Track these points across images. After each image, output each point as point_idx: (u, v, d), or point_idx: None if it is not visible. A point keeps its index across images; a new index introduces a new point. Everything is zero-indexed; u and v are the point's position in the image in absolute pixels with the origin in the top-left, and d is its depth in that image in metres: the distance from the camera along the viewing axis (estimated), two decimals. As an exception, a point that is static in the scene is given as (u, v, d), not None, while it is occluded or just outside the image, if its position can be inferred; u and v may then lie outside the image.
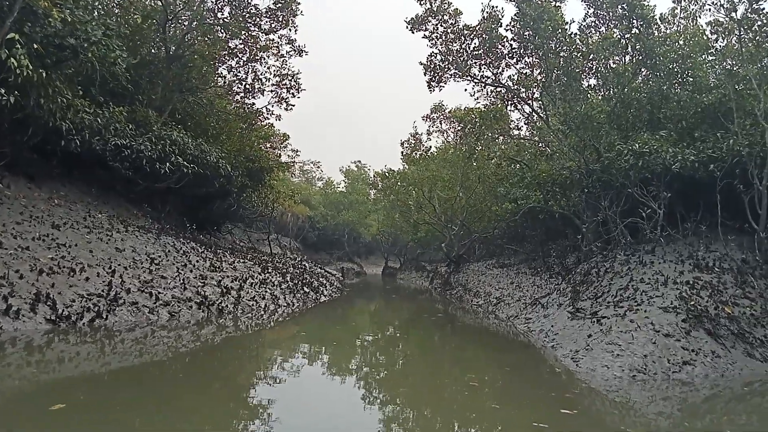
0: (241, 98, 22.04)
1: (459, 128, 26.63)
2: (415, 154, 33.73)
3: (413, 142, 33.31)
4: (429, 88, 23.66)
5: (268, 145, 26.63)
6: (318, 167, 64.29)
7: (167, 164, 17.06)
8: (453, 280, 30.65)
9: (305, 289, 18.67)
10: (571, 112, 17.61)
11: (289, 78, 21.95)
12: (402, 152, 34.24)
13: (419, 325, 17.04)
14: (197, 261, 14.56)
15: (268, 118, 23.51)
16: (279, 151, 33.61)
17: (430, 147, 33.65)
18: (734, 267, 13.62)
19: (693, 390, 9.34)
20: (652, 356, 9.88)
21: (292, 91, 22.23)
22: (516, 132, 24.45)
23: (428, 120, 30.02)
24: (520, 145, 24.12)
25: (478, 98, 23.40)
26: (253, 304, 14.50)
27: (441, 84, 23.63)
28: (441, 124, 29.75)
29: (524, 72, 22.46)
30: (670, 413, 8.14)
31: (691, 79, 17.92)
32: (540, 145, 22.80)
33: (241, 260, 17.37)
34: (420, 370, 10.55)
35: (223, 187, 22.02)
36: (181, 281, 12.75)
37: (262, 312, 14.50)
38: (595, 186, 17.61)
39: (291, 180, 56.30)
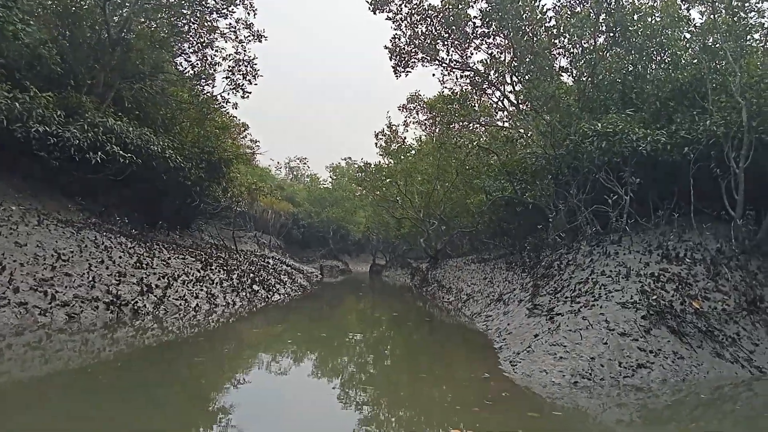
0: (194, 86, 20.72)
1: (430, 117, 25.32)
2: (393, 146, 32.43)
3: (389, 133, 32.02)
4: (395, 73, 22.39)
5: (230, 138, 25.20)
6: (305, 163, 63.05)
7: (100, 154, 15.75)
8: (430, 277, 29.35)
9: (255, 287, 17.38)
10: (538, 92, 16.28)
11: (245, 64, 20.68)
12: (376, 143, 32.95)
13: (368, 327, 15.65)
14: (120, 257, 13.27)
15: (224, 107, 22.21)
16: (242, 144, 32.39)
17: (405, 138, 32.32)
18: (707, 257, 12.33)
19: (647, 397, 8.06)
20: (601, 359, 8.58)
21: (248, 77, 20.96)
22: (488, 119, 23.13)
23: (404, 110, 28.66)
24: (491, 133, 22.81)
25: (446, 83, 22.11)
26: (181, 304, 13.23)
27: (408, 69, 22.37)
28: (418, 114, 28.43)
29: (494, 55, 21.15)
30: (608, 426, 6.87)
31: (667, 57, 16.63)
32: (510, 131, 21.50)
33: (181, 256, 16.08)
34: (335, 386, 9.27)
35: (175, 180, 20.74)
36: (90, 279, 11.47)
37: (193, 313, 13.21)
38: (564, 172, 16.32)
39: (274, 176, 55.14)
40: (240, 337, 12.18)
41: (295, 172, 67.58)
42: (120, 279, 12.19)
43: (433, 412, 7.03)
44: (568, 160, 15.59)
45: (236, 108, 22.15)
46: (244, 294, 16.24)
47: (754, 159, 13.15)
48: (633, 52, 16.44)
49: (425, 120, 26.81)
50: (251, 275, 18.46)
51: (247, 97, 21.41)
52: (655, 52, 16.52)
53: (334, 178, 54.27)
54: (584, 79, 17.05)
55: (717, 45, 13.90)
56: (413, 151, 30.90)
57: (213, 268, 16.57)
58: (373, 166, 33.27)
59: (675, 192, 14.56)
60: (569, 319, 10.00)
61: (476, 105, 21.52)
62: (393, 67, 22.14)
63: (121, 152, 16.29)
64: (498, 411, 6.86)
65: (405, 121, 28.48)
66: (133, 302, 11.74)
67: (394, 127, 31.67)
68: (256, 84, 21.22)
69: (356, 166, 35.16)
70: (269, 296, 17.84)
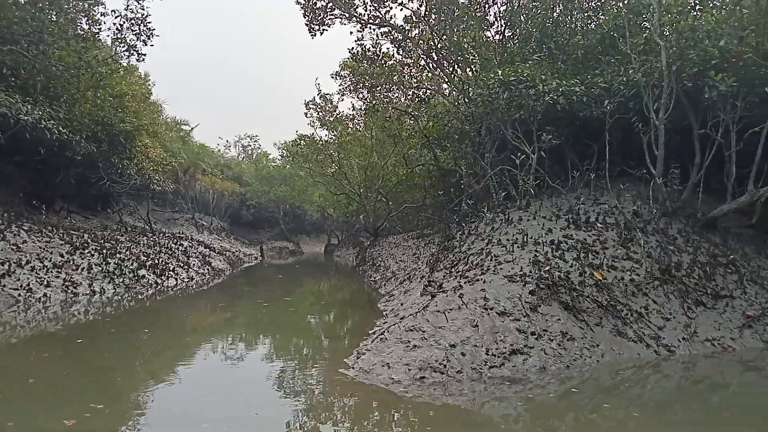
0: (82, 48, 18.38)
1: (352, 82, 23.40)
2: (325, 116, 30.40)
3: (321, 103, 29.97)
4: (310, 32, 20.35)
5: (147, 110, 22.86)
6: (256, 141, 60.42)
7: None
8: (367, 255, 27.71)
9: (142, 272, 15.44)
10: (447, 43, 14.51)
11: (137, 22, 18.44)
12: (306, 114, 30.85)
13: (253, 317, 13.46)
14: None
15: (118, 72, 19.88)
16: (164, 118, 30.11)
17: (336, 108, 30.25)
18: (622, 222, 10.83)
19: (514, 392, 6.49)
20: (465, 345, 6.96)
21: (142, 37, 18.74)
22: (413, 82, 21.29)
23: (338, 78, 26.58)
24: (414, 96, 21.03)
25: (364, 43, 20.15)
26: (21, 295, 11.27)
27: (324, 27, 20.32)
28: (351, 81, 26.30)
29: (416, 11, 19.25)
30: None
31: (593, 3, 15.00)
32: (428, 90, 19.73)
33: (46, 239, 14.02)
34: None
35: (63, 156, 18.53)
36: None
37: (39, 305, 11.27)
38: (481, 133, 14.66)
39: (218, 154, 52.57)
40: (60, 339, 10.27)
41: (249, 151, 64.99)
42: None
43: None
44: (480, 118, 13.92)
45: (133, 68, 19.77)
46: (121, 281, 14.30)
47: (678, 110, 11.68)
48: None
49: (356, 86, 24.77)
50: (143, 259, 16.49)
51: (143, 59, 19.21)
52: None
53: (284, 155, 51.81)
54: (498, 26, 15.32)
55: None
56: (348, 122, 28.96)
57: (86, 251, 14.57)
58: (307, 138, 31.15)
59: (595, 151, 13.04)
60: (445, 298, 8.36)
61: (396, 65, 19.67)
62: (307, 25, 20.12)
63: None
64: None
65: (340, 89, 26.33)
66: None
67: (328, 96, 29.60)
68: (152, 44, 19.02)
69: (293, 140, 33.02)
70: (161, 282, 15.91)
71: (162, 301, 14.16)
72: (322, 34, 20.21)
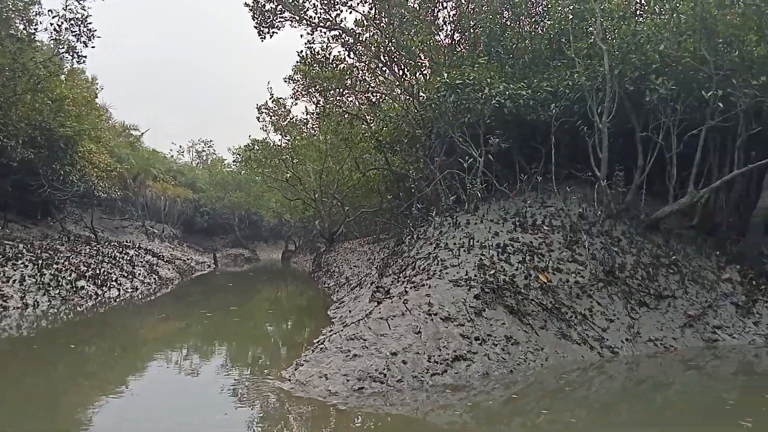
0: (18, 50, 17.49)
1: (304, 85, 23.06)
2: (277, 120, 29.91)
3: (274, 107, 29.47)
4: (259, 34, 19.90)
5: (77, 111, 21.65)
6: (210, 146, 59.13)
7: None
8: (323, 261, 27.35)
9: (81, 283, 14.72)
10: (397, 47, 14.41)
11: (77, 22, 17.68)
12: (258, 118, 30.29)
13: (193, 329, 12.82)
14: None
15: (57, 75, 19.05)
16: (110, 124, 29.10)
17: (290, 112, 29.81)
18: (567, 224, 10.88)
19: (458, 399, 6.34)
20: (407, 353, 6.77)
21: (82, 38, 17.98)
22: (364, 86, 21.12)
23: (291, 82, 26.14)
24: (366, 100, 20.87)
25: (314, 46, 19.85)
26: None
27: (273, 30, 19.91)
28: (303, 86, 25.91)
29: (367, 14, 19.09)
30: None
31: (540, 8, 15.14)
32: (379, 94, 19.62)
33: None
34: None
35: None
36: None
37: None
38: (429, 138, 14.59)
39: (171, 160, 51.26)
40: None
41: (204, 157, 63.57)
42: None
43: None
44: (431, 122, 13.85)
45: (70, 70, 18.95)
46: (57, 293, 13.59)
47: (621, 113, 11.85)
48: (503, 4, 14.83)
49: (308, 90, 24.40)
50: (82, 269, 15.74)
51: (83, 61, 18.42)
52: (524, 4, 14.94)
53: (239, 160, 50.83)
54: (452, 33, 15.32)
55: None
56: (302, 127, 28.56)
57: (19, 262, 13.79)
58: (261, 143, 30.58)
59: (543, 155, 13.13)
60: (390, 304, 8.17)
61: (348, 68, 19.45)
62: (256, 27, 19.69)
63: None
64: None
65: (293, 93, 25.87)
66: None
67: (281, 100, 29.13)
68: (93, 46, 18.23)
69: (246, 144, 32.40)
70: (101, 293, 15.21)
71: (101, 314, 13.52)
72: (271, 36, 19.80)
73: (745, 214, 12.51)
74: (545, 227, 10.73)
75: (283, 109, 29.45)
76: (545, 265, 9.50)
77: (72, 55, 18.44)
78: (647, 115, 11.69)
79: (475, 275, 8.67)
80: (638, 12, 13.29)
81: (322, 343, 7.19)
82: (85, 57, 18.41)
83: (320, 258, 28.97)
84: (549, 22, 13.45)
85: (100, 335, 11.02)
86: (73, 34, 18.16)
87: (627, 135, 12.51)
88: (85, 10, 18.22)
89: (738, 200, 12.90)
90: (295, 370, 6.70)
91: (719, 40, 10.83)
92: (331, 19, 19.64)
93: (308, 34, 19.94)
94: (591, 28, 12.05)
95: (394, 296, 8.72)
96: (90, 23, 18.11)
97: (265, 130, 31.29)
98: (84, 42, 18.32)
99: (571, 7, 12.38)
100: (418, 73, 16.50)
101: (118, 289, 16.29)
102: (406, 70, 16.57)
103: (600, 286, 9.49)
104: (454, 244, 9.99)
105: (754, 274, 10.76)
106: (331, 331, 8.75)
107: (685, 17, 11.07)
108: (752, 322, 9.81)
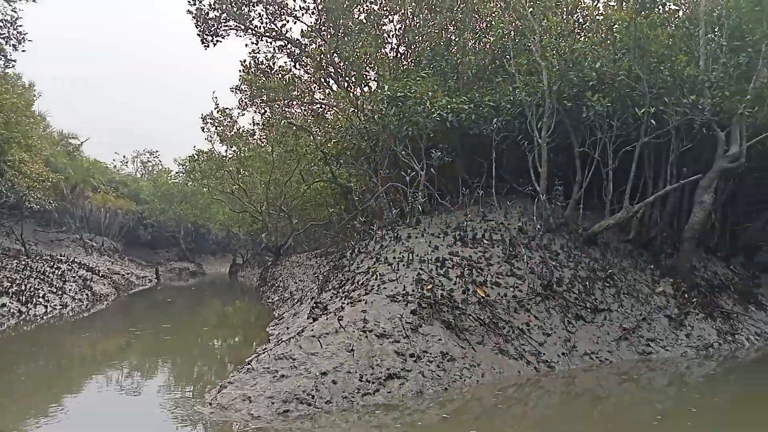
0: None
1: (248, 96, 22.62)
2: (227, 132, 29.26)
3: (219, 117, 28.81)
4: (203, 43, 19.43)
5: (5, 118, 20.45)
6: (156, 157, 57.23)
7: None
8: (269, 275, 26.73)
9: (5, 300, 13.77)
10: (342, 59, 14.25)
11: (6, 25, 16.77)
12: (203, 128, 29.58)
13: (118, 348, 11.95)
14: None
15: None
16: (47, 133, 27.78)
17: (236, 122, 29.17)
18: (507, 238, 10.89)
19: (391, 419, 6.10)
20: (337, 373, 6.50)
21: (12, 41, 17.07)
22: (309, 98, 20.84)
23: (239, 92, 25.57)
24: (310, 111, 20.63)
25: (258, 55, 19.48)
26: None
27: (217, 38, 19.48)
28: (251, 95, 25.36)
29: (313, 25, 18.89)
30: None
31: (483, 23, 15.31)
32: (323, 106, 19.44)
33: None
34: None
35: None
36: None
37: None
38: (374, 150, 14.46)
39: (113, 170, 49.44)
40: None
41: (149, 168, 61.51)
42: None
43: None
44: (375, 134, 13.71)
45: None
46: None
47: (560, 129, 12.02)
48: (441, 16, 14.92)
49: (254, 100, 23.88)
50: (5, 285, 14.75)
51: (12, 65, 17.51)
52: (468, 19, 15.07)
53: (186, 170, 49.38)
54: (398, 47, 15.28)
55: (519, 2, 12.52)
56: (249, 138, 27.96)
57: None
58: (206, 154, 29.78)
59: (486, 168, 13.18)
60: (325, 321, 7.89)
61: (294, 79, 19.16)
62: (199, 35, 19.21)
63: None
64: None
65: (240, 103, 25.29)
66: None
67: (227, 111, 28.49)
68: (24, 50, 17.34)
69: (189, 155, 31.50)
70: (26, 310, 14.28)
71: (23, 333, 12.65)
72: (215, 45, 19.39)
73: (678, 228, 12.89)
74: (485, 241, 10.70)
75: (229, 120, 28.79)
76: (484, 279, 9.43)
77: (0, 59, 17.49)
78: (585, 131, 11.89)
79: (413, 290, 8.50)
80: (577, 30, 13.57)
81: (249, 363, 6.83)
82: (15, 61, 17.53)
83: (267, 272, 28.33)
84: (492, 38, 13.56)
85: (13, 360, 10.23)
86: (1, 36, 17.25)
87: (566, 150, 12.70)
88: (15, 12, 17.39)
89: (672, 214, 13.31)
90: (218, 393, 6.33)
91: (653, 59, 11.14)
92: (276, 29, 19.37)
93: (253, 43, 19.60)
94: (531, 45, 12.22)
95: (329, 312, 8.44)
96: (20, 25, 17.27)
97: (211, 141, 30.44)
98: (13, 45, 17.43)
99: (513, 24, 12.51)
100: (363, 86, 16.39)
101: (45, 306, 15.34)
102: (351, 82, 16.43)
103: (538, 300, 9.49)
104: (394, 258, 9.82)
105: (686, 287, 11.04)
106: (264, 349, 8.39)
107: (620, 36, 11.36)
108: (684, 335, 10.01)
